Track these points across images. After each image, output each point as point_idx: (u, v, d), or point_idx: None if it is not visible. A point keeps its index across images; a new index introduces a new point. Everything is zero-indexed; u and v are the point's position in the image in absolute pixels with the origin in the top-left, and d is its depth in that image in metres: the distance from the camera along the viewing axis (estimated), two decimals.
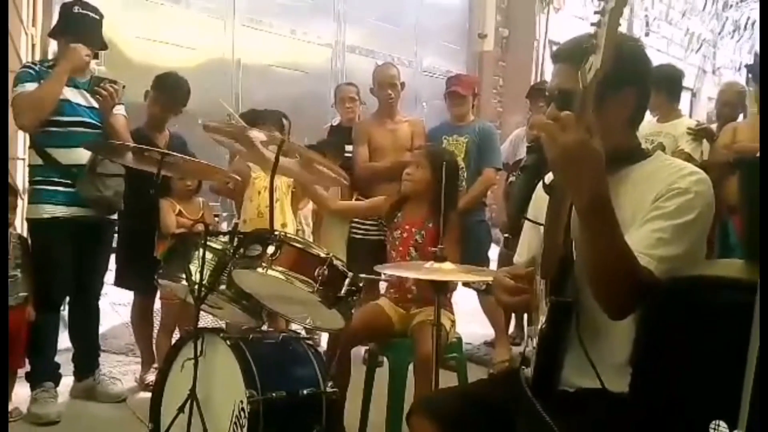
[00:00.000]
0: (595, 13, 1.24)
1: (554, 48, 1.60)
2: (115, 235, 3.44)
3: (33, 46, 4.34)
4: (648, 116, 4.15)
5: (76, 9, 3.09)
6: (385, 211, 3.06)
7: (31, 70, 3.01)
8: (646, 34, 9.67)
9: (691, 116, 10.39)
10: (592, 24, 1.24)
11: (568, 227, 1.43)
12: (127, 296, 3.78)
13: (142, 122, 3.48)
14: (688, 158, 3.87)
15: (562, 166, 1.26)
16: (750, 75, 5.33)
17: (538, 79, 7.58)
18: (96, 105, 3.08)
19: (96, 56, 3.36)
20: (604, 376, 1.44)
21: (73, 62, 2.98)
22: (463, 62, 8.12)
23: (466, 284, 3.56)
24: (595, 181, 1.24)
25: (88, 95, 3.08)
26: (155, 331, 3.66)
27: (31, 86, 2.95)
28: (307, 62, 6.47)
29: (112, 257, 3.41)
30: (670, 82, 4.16)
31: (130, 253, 3.43)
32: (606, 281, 1.33)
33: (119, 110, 3.16)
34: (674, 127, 4.13)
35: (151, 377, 3.39)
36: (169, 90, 3.44)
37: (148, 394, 2.60)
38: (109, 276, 3.46)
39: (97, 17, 3.13)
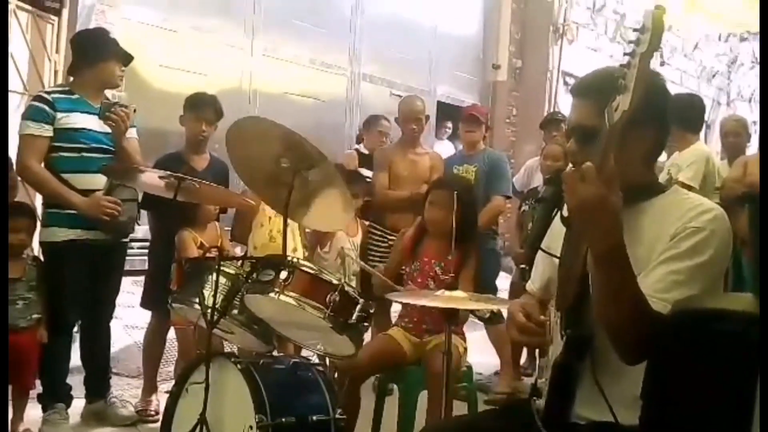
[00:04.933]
0: (625, 54, 1.25)
1: (567, 79, 1.62)
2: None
3: (56, 72, 4.44)
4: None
5: (111, 35, 3.19)
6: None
7: (46, 107, 2.99)
8: (661, 64, 9.71)
9: None
10: (622, 65, 1.25)
11: (585, 261, 1.43)
12: (141, 319, 3.80)
13: (165, 146, 3.51)
14: (685, 187, 3.81)
15: (579, 216, 1.28)
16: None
17: (551, 109, 7.62)
18: (109, 130, 3.09)
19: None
20: (615, 409, 1.43)
21: (92, 209, 3.00)
22: (477, 92, 8.20)
23: (471, 313, 3.55)
24: (610, 233, 1.26)
25: (101, 120, 3.09)
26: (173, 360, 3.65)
27: (37, 128, 2.97)
28: (322, 91, 6.56)
29: (131, 279, 3.42)
30: (690, 114, 4.12)
31: (159, 275, 3.29)
32: (620, 330, 1.34)
33: (131, 133, 3.19)
34: (682, 155, 4.10)
35: (151, 407, 3.37)
36: (199, 103, 3.45)
37: (157, 417, 2.60)
38: (122, 298, 3.48)
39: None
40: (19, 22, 4.18)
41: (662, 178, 3.81)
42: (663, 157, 4.24)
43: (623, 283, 1.30)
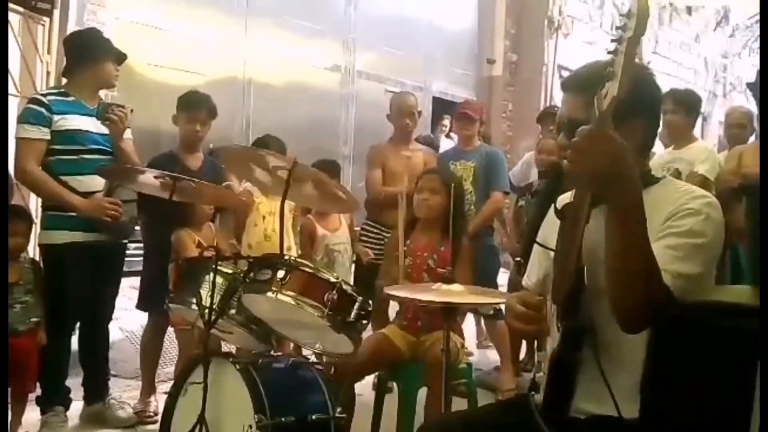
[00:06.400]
0: (612, 41, 1.25)
1: (563, 73, 1.62)
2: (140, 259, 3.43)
3: (48, 73, 4.42)
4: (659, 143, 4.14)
5: (103, 34, 3.20)
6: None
7: (42, 109, 2.98)
8: (664, 56, 9.77)
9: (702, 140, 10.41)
10: (609, 52, 1.25)
11: (579, 253, 1.43)
12: (138, 321, 3.79)
13: (159, 146, 3.50)
14: (704, 181, 3.83)
15: (602, 173, 1.26)
16: (752, 92, 5.32)
17: (547, 104, 7.62)
18: (106, 131, 3.10)
19: None
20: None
21: (93, 211, 3.00)
22: (472, 87, 8.18)
23: (473, 310, 3.54)
24: (633, 185, 1.27)
25: (98, 122, 3.09)
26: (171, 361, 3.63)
27: (35, 131, 2.95)
28: (316, 87, 6.54)
29: (129, 280, 3.40)
30: (691, 108, 4.14)
31: (154, 276, 3.25)
32: (629, 288, 1.32)
33: (127, 134, 3.19)
34: (689, 151, 4.11)
35: (150, 409, 3.36)
36: (192, 103, 3.42)
37: (156, 419, 2.60)
38: (119, 300, 3.46)
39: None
40: (10, 23, 4.16)
41: (660, 173, 3.80)
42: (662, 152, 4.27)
43: (640, 239, 1.30)
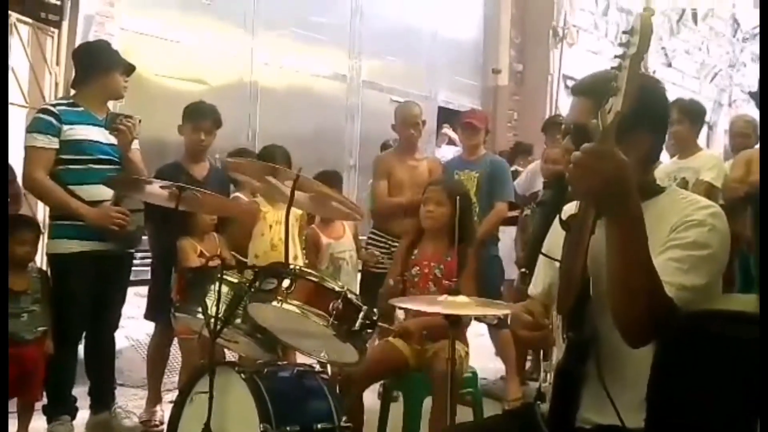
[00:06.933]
0: (616, 57, 1.26)
1: (568, 82, 1.63)
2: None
3: (56, 84, 4.46)
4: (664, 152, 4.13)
5: (111, 45, 3.24)
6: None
7: (52, 119, 3.00)
8: (669, 65, 9.76)
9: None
10: (613, 68, 1.26)
11: (585, 264, 1.43)
12: (145, 330, 3.79)
13: (165, 156, 3.51)
14: (710, 188, 3.82)
15: (605, 190, 1.27)
16: (754, 101, 5.30)
17: (552, 113, 7.62)
18: (114, 141, 3.11)
19: None
20: (621, 412, 1.42)
21: (101, 220, 3.02)
22: (478, 97, 8.20)
23: (478, 318, 3.54)
24: (635, 200, 1.28)
25: (106, 132, 3.11)
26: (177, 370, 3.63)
27: (44, 141, 2.97)
28: (322, 96, 6.57)
29: (135, 289, 3.41)
30: (696, 118, 4.15)
31: (161, 286, 3.26)
32: (632, 302, 1.32)
33: (134, 144, 3.21)
34: (695, 160, 4.11)
35: (156, 418, 3.37)
36: (197, 113, 3.44)
37: (162, 428, 2.60)
38: (126, 309, 3.47)
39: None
40: (19, 35, 4.20)
41: (666, 182, 3.81)
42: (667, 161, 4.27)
43: (640, 254, 1.30)
